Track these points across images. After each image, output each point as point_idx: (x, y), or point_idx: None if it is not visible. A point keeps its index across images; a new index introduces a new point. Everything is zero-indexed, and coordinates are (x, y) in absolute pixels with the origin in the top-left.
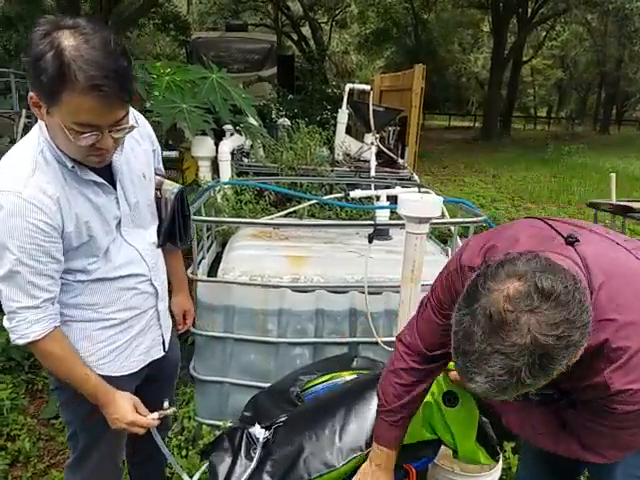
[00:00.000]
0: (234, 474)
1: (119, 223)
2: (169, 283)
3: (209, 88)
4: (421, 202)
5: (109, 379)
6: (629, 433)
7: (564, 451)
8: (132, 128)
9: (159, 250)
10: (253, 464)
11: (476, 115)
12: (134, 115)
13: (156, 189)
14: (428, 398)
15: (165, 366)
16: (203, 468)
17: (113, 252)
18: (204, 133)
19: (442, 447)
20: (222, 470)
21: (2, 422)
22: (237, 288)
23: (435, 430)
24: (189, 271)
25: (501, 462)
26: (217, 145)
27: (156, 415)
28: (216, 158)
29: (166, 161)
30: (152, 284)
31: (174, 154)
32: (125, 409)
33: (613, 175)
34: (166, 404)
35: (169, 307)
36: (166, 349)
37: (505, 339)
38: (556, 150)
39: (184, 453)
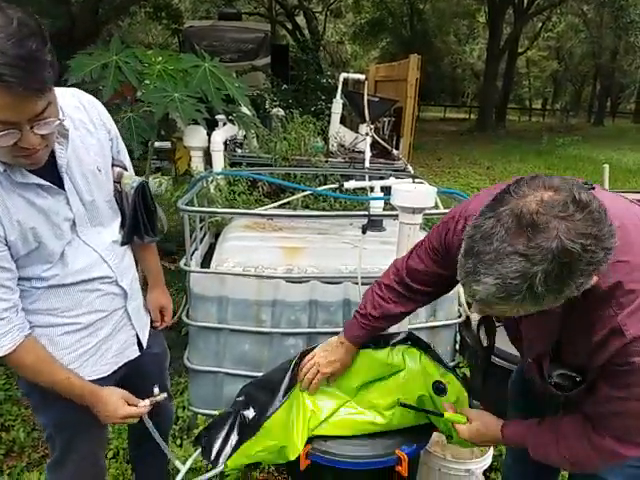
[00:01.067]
0: (224, 451)
1: (74, 224)
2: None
3: (201, 77)
4: (414, 192)
5: None
6: None
7: None
8: (61, 121)
9: (125, 248)
10: (234, 435)
11: (471, 107)
12: (79, 99)
13: (115, 182)
14: (422, 391)
15: (146, 363)
16: (196, 455)
17: (70, 256)
18: (196, 123)
19: (434, 434)
20: (215, 448)
21: None
22: (231, 279)
23: (430, 418)
24: (182, 262)
25: (492, 449)
26: (210, 135)
27: (147, 402)
28: (209, 148)
29: (159, 152)
30: (118, 285)
31: (167, 145)
32: (115, 405)
33: (606, 166)
34: (156, 390)
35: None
36: (143, 348)
37: (531, 239)
38: (550, 142)
39: (179, 442)
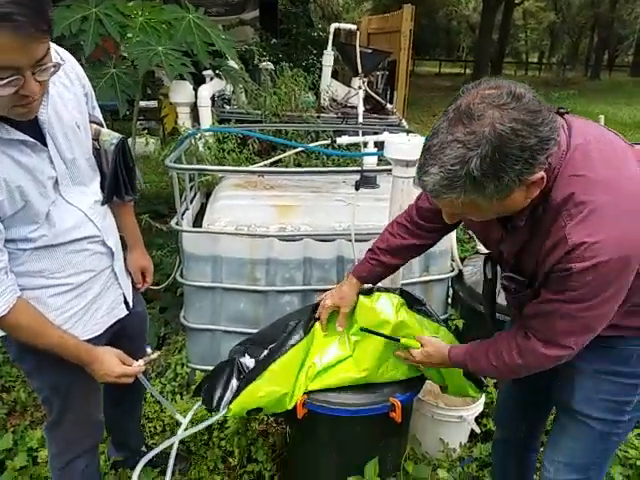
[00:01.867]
0: (225, 397)
1: (56, 183)
2: (122, 240)
3: (186, 29)
4: (408, 145)
5: None
6: (587, 307)
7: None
8: (58, 66)
9: (105, 207)
10: (233, 382)
11: (467, 61)
12: (56, 51)
13: (93, 139)
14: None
15: (132, 323)
16: (196, 407)
17: (56, 216)
18: (182, 78)
19: (427, 383)
20: (215, 396)
21: None
22: (224, 238)
23: (424, 373)
24: (173, 222)
25: (483, 397)
26: (196, 91)
27: (142, 362)
28: (196, 104)
29: (145, 112)
30: (105, 244)
31: (153, 104)
32: (111, 363)
33: (602, 117)
34: (149, 350)
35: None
36: (130, 308)
37: (467, 126)
38: (546, 96)
39: (178, 398)
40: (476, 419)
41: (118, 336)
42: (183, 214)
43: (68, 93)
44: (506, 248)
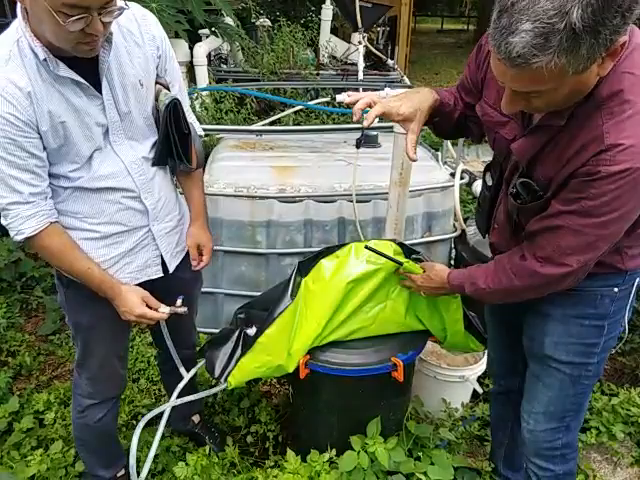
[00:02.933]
0: (228, 368)
1: (107, 132)
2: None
3: None
4: None
5: None
6: (597, 223)
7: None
8: (122, 10)
9: (157, 169)
10: (238, 351)
11: (470, 17)
12: (132, 12)
13: (155, 100)
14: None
15: (172, 287)
16: (200, 364)
17: (97, 161)
18: (178, 36)
19: (429, 344)
20: (218, 364)
21: (0, 339)
22: (223, 200)
23: (423, 319)
24: None
25: (485, 357)
26: (192, 49)
27: (167, 309)
28: (192, 63)
29: None
30: (141, 202)
31: None
32: (133, 302)
33: None
34: (179, 301)
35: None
36: (170, 271)
37: None
38: None
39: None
40: (478, 379)
41: (154, 295)
42: None
43: (138, 51)
44: (522, 149)
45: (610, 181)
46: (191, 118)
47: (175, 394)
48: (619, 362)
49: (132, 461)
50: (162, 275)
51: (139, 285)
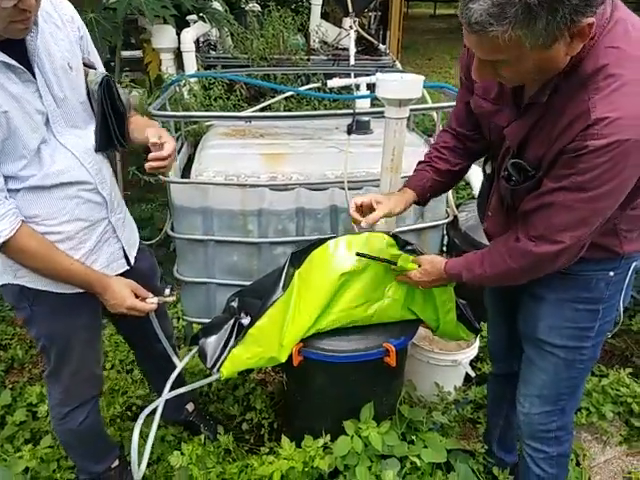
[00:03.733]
0: (221, 358)
1: (48, 121)
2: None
3: None
4: (400, 82)
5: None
6: (588, 198)
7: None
8: None
9: (103, 157)
10: (231, 342)
11: None
12: None
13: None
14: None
15: (135, 281)
16: (192, 353)
17: (46, 156)
18: (165, 22)
19: (421, 329)
20: (210, 354)
21: None
22: (213, 189)
23: (417, 311)
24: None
25: (478, 341)
26: (179, 35)
27: (155, 300)
28: (179, 49)
29: (130, 62)
30: (99, 193)
31: (138, 54)
32: (122, 294)
33: None
34: (167, 291)
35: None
36: (131, 264)
37: None
38: None
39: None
40: (471, 363)
41: None
42: None
43: (60, 33)
44: (513, 132)
45: (598, 155)
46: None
47: (168, 386)
48: (609, 344)
49: (134, 456)
50: (128, 268)
51: None
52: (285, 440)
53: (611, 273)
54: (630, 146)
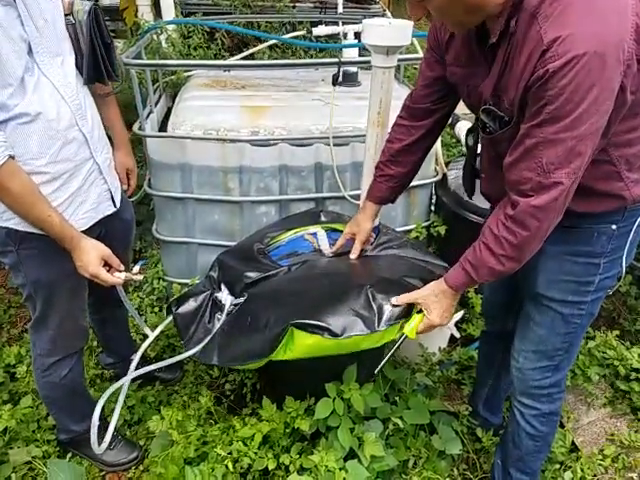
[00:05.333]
0: (194, 337)
1: (30, 50)
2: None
3: None
4: (388, 28)
5: None
6: (565, 126)
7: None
8: None
9: (85, 94)
10: (214, 331)
11: None
12: None
13: (67, 15)
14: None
15: (118, 226)
16: (166, 322)
17: (30, 86)
18: None
19: None
20: (185, 329)
21: None
22: (191, 144)
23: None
24: (135, 127)
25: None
26: None
27: (123, 275)
28: None
29: (110, 11)
30: (80, 130)
31: (117, 2)
32: (89, 259)
33: None
34: (136, 268)
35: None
36: (117, 206)
37: None
38: None
39: (157, 311)
40: (456, 324)
41: (102, 241)
42: (147, 118)
43: None
44: (486, 86)
45: (561, 76)
46: None
47: (134, 363)
48: None
49: (93, 438)
50: (115, 210)
51: (97, 224)
52: (267, 402)
53: (613, 226)
54: (588, 60)
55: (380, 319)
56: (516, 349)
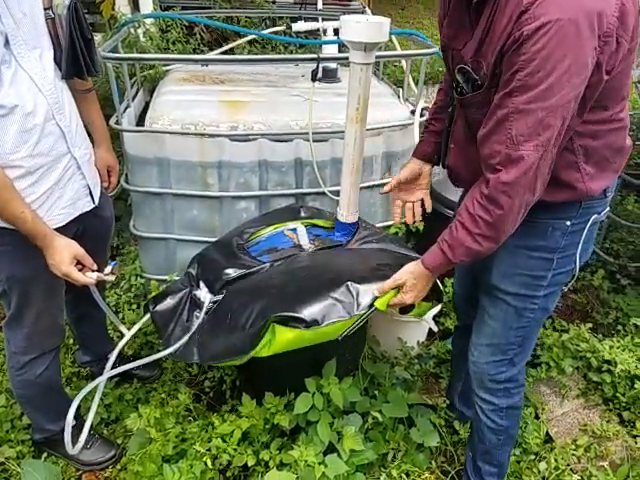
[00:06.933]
0: (173, 336)
1: (7, 42)
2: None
3: None
4: (366, 24)
5: None
6: (536, 95)
7: (471, 168)
8: None
9: (62, 88)
10: (193, 329)
11: None
12: None
13: (47, 8)
14: None
15: (96, 224)
16: (143, 321)
17: (6, 77)
18: None
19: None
20: (164, 327)
21: None
22: (169, 139)
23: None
24: (112, 121)
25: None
26: None
27: (95, 275)
28: None
29: (89, 4)
30: (57, 124)
31: None
32: (61, 258)
33: None
34: (108, 269)
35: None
36: (95, 202)
37: None
38: None
39: (135, 308)
40: (434, 318)
41: (81, 237)
42: (124, 112)
43: None
44: (467, 49)
45: (535, 40)
46: None
47: (110, 362)
48: (571, 299)
49: (67, 438)
50: (94, 206)
51: (75, 221)
52: (246, 397)
53: (567, 222)
54: (563, 27)
55: (359, 303)
56: (472, 343)
